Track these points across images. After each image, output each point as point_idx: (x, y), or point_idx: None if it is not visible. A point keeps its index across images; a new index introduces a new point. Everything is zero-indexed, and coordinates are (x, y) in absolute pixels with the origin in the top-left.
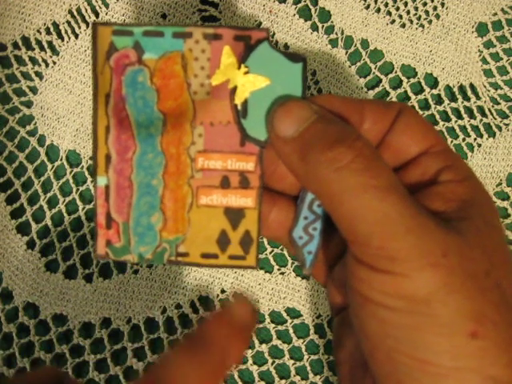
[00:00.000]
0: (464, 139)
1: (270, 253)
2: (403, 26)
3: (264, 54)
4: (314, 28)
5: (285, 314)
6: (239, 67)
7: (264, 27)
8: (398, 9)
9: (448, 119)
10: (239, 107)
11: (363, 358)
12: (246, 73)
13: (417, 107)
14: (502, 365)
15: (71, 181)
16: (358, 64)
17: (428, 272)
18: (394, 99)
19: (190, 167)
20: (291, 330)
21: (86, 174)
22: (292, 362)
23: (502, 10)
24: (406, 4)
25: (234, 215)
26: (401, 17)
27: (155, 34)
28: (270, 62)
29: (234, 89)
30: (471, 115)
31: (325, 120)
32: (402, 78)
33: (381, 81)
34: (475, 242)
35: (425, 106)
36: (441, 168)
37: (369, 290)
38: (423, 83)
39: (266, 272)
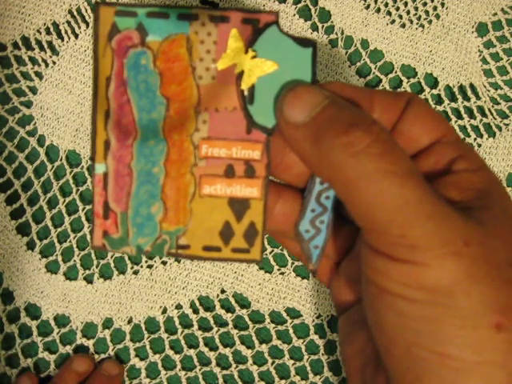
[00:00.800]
0: (464, 139)
1: (270, 253)
2: (403, 26)
3: (273, 38)
4: (314, 28)
5: (285, 314)
6: (246, 51)
7: (273, 10)
8: (398, 9)
9: (448, 119)
10: (246, 93)
11: (374, 355)
12: (254, 57)
13: None
14: None
15: (71, 181)
16: (358, 64)
17: (450, 261)
18: None
19: (193, 155)
20: (291, 330)
21: (86, 174)
22: (292, 362)
23: (502, 10)
24: (405, 4)
25: (239, 206)
26: (401, 17)
27: (160, 16)
28: (279, 47)
29: (241, 74)
30: (471, 115)
31: (337, 104)
32: (402, 77)
33: (381, 81)
34: (496, 231)
35: None
36: (454, 157)
37: (386, 280)
38: (423, 83)
39: (266, 272)
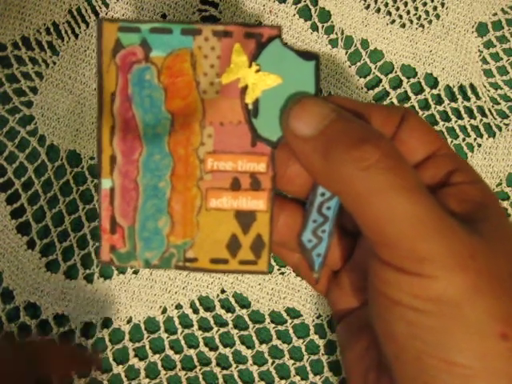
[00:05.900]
0: (464, 139)
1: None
2: (403, 26)
3: (276, 51)
4: (314, 28)
5: (285, 314)
6: (250, 65)
7: (276, 25)
8: (397, 9)
9: (448, 119)
10: (250, 106)
11: (376, 360)
12: (258, 71)
13: (417, 107)
14: None
15: (71, 181)
16: (358, 64)
17: (457, 274)
18: (394, 99)
19: (199, 169)
20: (291, 330)
21: (87, 174)
22: (292, 362)
23: (502, 10)
24: (406, 4)
25: (245, 218)
26: (401, 17)
27: (163, 31)
28: (282, 60)
29: (245, 87)
30: (471, 115)
31: (344, 118)
32: (402, 77)
33: (381, 81)
34: (497, 245)
35: (425, 106)
36: (451, 170)
37: (397, 292)
38: (423, 83)
39: None
